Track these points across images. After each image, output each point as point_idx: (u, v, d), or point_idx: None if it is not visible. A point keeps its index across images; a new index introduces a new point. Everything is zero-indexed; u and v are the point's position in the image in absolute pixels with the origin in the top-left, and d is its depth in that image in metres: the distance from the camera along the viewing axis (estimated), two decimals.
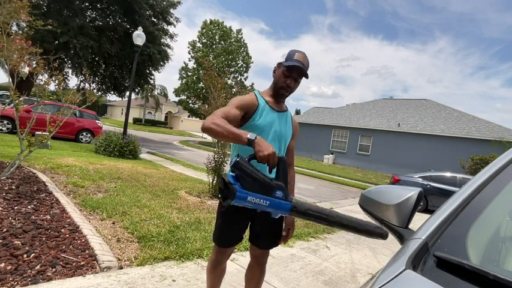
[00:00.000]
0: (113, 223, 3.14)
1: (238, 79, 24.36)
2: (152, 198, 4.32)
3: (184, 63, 24.80)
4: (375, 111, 21.41)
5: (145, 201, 4.05)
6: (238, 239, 1.63)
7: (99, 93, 17.68)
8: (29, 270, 2.01)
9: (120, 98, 18.93)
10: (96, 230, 2.89)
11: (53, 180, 4.34)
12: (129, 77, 15.21)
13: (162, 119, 45.66)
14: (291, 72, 1.49)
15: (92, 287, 1.98)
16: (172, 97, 39.39)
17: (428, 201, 7.84)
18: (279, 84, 1.53)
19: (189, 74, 24.32)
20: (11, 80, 3.99)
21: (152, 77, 17.38)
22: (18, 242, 2.30)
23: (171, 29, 16.98)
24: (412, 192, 0.91)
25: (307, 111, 25.61)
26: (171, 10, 16.14)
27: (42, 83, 4.69)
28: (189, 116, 31.23)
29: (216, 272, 1.71)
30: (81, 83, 16.01)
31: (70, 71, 15.18)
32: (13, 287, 1.84)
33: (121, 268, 2.32)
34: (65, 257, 2.25)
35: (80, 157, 6.87)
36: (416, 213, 0.90)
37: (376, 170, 17.70)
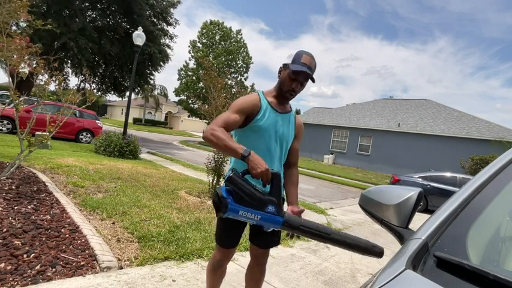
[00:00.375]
0: (113, 223, 3.14)
1: (238, 79, 24.37)
2: (152, 198, 4.32)
3: (186, 62, 24.85)
4: (375, 111, 21.41)
5: (145, 201, 4.05)
6: (236, 239, 1.64)
7: (99, 93, 17.67)
8: (29, 270, 2.01)
9: (120, 98, 18.94)
10: (96, 230, 2.89)
11: (53, 180, 4.34)
12: (129, 77, 15.21)
13: (162, 119, 45.66)
14: (297, 76, 1.46)
15: (92, 287, 1.98)
16: (172, 97, 39.46)
17: (428, 201, 7.84)
18: (285, 87, 1.51)
19: (189, 74, 24.33)
20: (11, 80, 3.99)
21: (152, 77, 17.39)
22: (18, 242, 2.30)
23: (170, 29, 17.01)
24: (412, 192, 0.91)
25: (307, 111, 25.61)
26: (171, 10, 16.14)
27: (42, 83, 4.69)
28: (189, 116, 31.24)
29: (217, 273, 1.71)
30: (81, 83, 16.03)
31: (70, 71, 15.20)
32: (13, 287, 1.84)
33: (121, 268, 2.32)
34: (65, 257, 2.25)
35: (80, 157, 6.87)
36: (416, 213, 0.90)
37: (376, 170, 17.70)
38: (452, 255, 0.62)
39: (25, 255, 2.16)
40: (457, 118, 17.86)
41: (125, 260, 2.44)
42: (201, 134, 1.58)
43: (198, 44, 24.71)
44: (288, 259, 3.11)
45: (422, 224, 0.79)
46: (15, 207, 2.95)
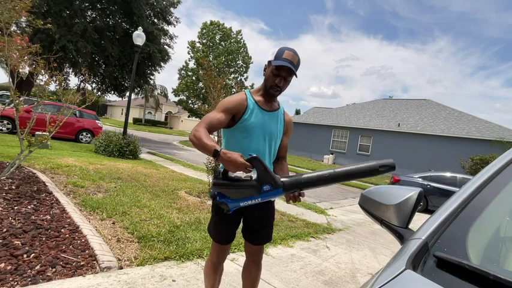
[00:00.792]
0: (113, 223, 3.14)
1: (238, 79, 24.38)
2: (152, 198, 4.32)
3: (186, 62, 24.85)
4: (375, 111, 21.41)
5: (145, 201, 4.05)
6: (232, 235, 1.65)
7: (99, 93, 17.66)
8: (29, 270, 2.01)
9: (120, 98, 18.92)
10: (96, 230, 2.89)
11: (53, 180, 4.34)
12: (129, 77, 15.20)
13: (162, 119, 45.67)
14: (280, 72, 1.47)
15: (92, 287, 1.98)
16: (172, 97, 39.39)
17: (428, 201, 7.84)
18: (269, 83, 1.52)
19: (189, 74, 24.34)
20: (11, 80, 3.99)
21: (152, 77, 17.38)
22: (18, 242, 2.30)
23: (171, 29, 16.99)
24: (412, 192, 0.91)
25: (307, 111, 25.61)
26: (171, 9, 16.13)
27: (42, 83, 4.69)
28: (189, 116, 31.24)
29: (217, 273, 1.72)
30: (81, 83, 16.02)
31: (70, 71, 15.19)
32: (13, 287, 1.84)
33: (121, 268, 2.32)
34: (65, 257, 2.25)
35: (80, 157, 6.87)
36: (416, 213, 0.90)
37: None
38: (452, 255, 0.62)
39: (25, 255, 2.16)
40: (457, 118, 17.86)
41: (125, 260, 2.44)
42: None
43: (198, 44, 24.72)
44: (288, 259, 3.11)
45: (422, 224, 0.79)
46: (15, 207, 2.95)
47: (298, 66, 1.51)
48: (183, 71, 24.74)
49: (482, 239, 0.75)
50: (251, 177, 1.21)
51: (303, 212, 5.28)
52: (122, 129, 9.18)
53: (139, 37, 8.76)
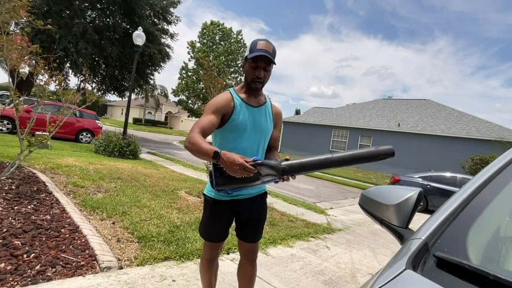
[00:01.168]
0: (113, 223, 3.14)
1: (238, 79, 24.37)
2: (152, 198, 4.32)
3: (184, 62, 24.86)
4: (375, 111, 21.41)
5: (145, 201, 4.05)
6: (225, 233, 1.65)
7: (99, 93, 17.67)
8: (29, 270, 2.01)
9: (120, 98, 18.92)
10: (96, 230, 2.89)
11: (53, 180, 4.34)
12: (129, 77, 15.21)
13: (162, 119, 45.68)
14: (258, 63, 1.45)
15: (92, 287, 1.98)
16: (172, 97, 39.40)
17: (428, 201, 7.84)
18: (250, 77, 1.50)
19: (189, 74, 24.34)
20: (11, 80, 3.99)
21: (152, 77, 17.38)
22: (18, 242, 2.30)
23: (171, 28, 16.99)
24: (412, 192, 0.91)
25: (307, 111, 25.62)
26: (171, 9, 16.13)
27: (42, 83, 4.69)
28: (189, 116, 31.23)
29: (212, 269, 1.73)
30: (81, 83, 16.02)
31: (70, 71, 15.19)
32: (13, 287, 1.84)
33: (121, 268, 2.32)
34: (65, 257, 2.25)
35: (80, 157, 6.87)
36: (416, 213, 0.90)
37: (376, 170, 17.71)
38: (452, 255, 0.62)
39: (25, 255, 2.16)
40: (457, 118, 17.86)
41: (124, 260, 2.44)
42: None
43: (198, 44, 24.72)
44: (288, 259, 3.11)
45: (422, 224, 0.79)
46: (15, 207, 2.95)
47: (275, 54, 1.49)
48: (183, 71, 24.75)
49: (482, 239, 0.75)
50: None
51: (303, 212, 5.28)
52: (122, 129, 9.18)
53: (139, 37, 8.76)
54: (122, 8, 14.12)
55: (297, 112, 53.22)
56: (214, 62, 22.42)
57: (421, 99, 22.17)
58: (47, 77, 4.56)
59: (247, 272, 1.75)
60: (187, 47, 24.86)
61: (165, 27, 16.46)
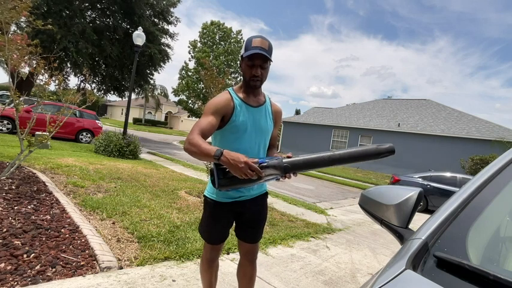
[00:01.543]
0: (113, 223, 3.14)
1: (238, 79, 24.37)
2: (152, 198, 4.32)
3: (185, 62, 24.88)
4: (375, 111, 21.41)
5: (145, 201, 4.05)
6: (225, 235, 1.65)
7: (99, 93, 17.67)
8: (29, 270, 2.01)
9: (120, 98, 18.92)
10: (96, 230, 2.89)
11: (53, 180, 4.34)
12: (129, 77, 15.19)
13: (162, 119, 45.68)
14: (254, 61, 1.43)
15: (92, 287, 1.98)
16: (172, 97, 39.41)
17: (428, 201, 7.84)
18: (247, 76, 1.48)
19: (190, 74, 24.35)
20: (11, 80, 3.99)
21: (152, 77, 17.38)
22: (18, 242, 2.30)
23: (171, 28, 16.98)
24: (412, 192, 0.91)
25: (307, 111, 25.61)
26: (171, 9, 16.13)
27: (42, 83, 4.69)
28: (189, 116, 31.24)
29: (212, 269, 1.73)
30: (81, 83, 16.02)
31: (70, 70, 15.19)
32: (13, 287, 1.84)
33: (121, 268, 2.32)
34: (65, 257, 2.25)
35: (80, 157, 6.87)
36: (416, 213, 0.90)
37: (376, 170, 17.70)
38: (452, 255, 0.62)
39: (25, 255, 2.16)
40: (457, 118, 17.86)
41: (125, 260, 2.44)
42: None
43: (199, 44, 24.73)
44: (288, 259, 3.11)
45: (422, 224, 0.79)
46: (15, 207, 2.95)
47: (271, 50, 1.46)
48: (183, 71, 24.76)
49: (482, 239, 0.75)
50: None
51: (303, 212, 5.28)
52: (122, 129, 9.18)
53: (139, 37, 8.76)
54: (122, 8, 14.12)
55: (297, 112, 53.23)
56: (215, 62, 22.43)
57: (421, 99, 22.17)
58: (47, 77, 4.56)
59: (247, 272, 1.75)
60: (189, 47, 24.90)
61: (165, 27, 16.46)
